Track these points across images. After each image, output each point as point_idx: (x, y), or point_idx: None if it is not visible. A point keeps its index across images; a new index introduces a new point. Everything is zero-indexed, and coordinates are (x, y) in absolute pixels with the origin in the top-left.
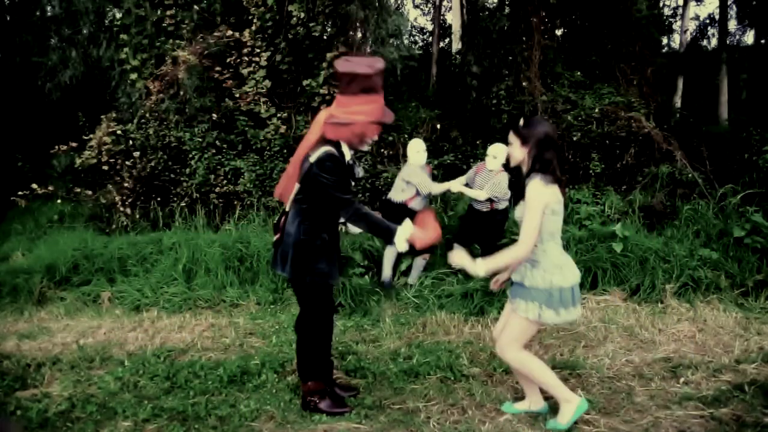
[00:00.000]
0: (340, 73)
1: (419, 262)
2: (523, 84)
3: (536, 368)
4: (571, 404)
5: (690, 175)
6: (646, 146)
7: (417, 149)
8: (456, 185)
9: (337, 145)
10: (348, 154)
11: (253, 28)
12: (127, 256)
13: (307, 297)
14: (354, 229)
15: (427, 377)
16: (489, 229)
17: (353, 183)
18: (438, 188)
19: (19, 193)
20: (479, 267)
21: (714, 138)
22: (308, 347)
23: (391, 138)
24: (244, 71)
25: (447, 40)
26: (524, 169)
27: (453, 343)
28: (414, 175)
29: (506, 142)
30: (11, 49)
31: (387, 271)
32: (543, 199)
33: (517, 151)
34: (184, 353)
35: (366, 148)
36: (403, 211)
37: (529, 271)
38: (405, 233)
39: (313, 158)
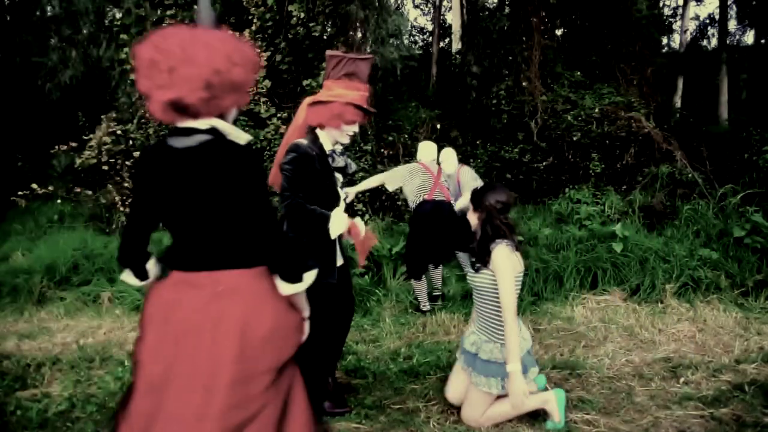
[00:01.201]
0: (328, 57)
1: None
2: (523, 84)
3: (502, 413)
4: (550, 402)
5: (690, 175)
6: (646, 146)
7: (443, 157)
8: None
9: (315, 137)
10: (328, 144)
11: (253, 28)
12: None
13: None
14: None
15: (427, 377)
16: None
17: (342, 176)
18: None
19: (19, 193)
20: (515, 369)
21: (714, 138)
22: (309, 351)
23: (391, 138)
24: None
25: (447, 40)
26: (477, 234)
27: (453, 343)
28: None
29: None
30: (11, 49)
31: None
32: (512, 264)
33: (471, 217)
34: None
35: (346, 139)
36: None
37: (485, 344)
38: (339, 220)
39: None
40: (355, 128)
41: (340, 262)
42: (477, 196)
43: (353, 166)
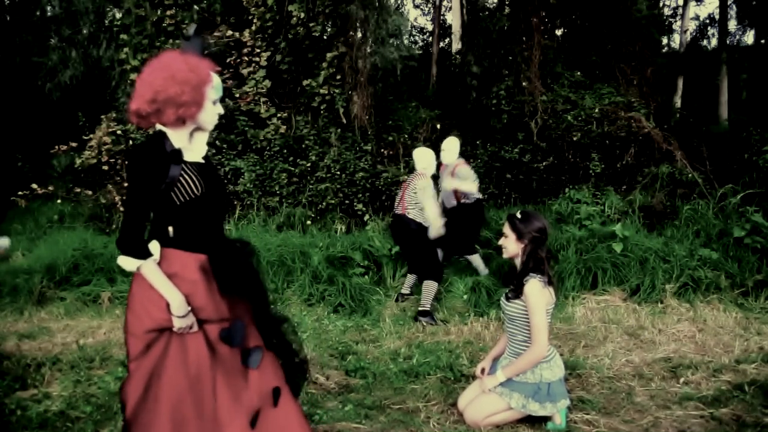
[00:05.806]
0: None
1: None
2: (523, 84)
3: (505, 417)
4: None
5: (690, 175)
6: (646, 146)
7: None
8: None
9: None
10: None
11: (253, 28)
12: None
13: None
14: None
15: (427, 377)
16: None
17: None
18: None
19: (19, 193)
20: (499, 376)
21: (714, 138)
22: None
23: (391, 138)
24: (244, 71)
25: (447, 40)
26: (518, 264)
27: (453, 343)
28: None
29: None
30: (11, 49)
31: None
32: (545, 300)
33: (512, 245)
34: None
35: None
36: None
37: None
38: None
39: None
40: None
41: None
42: (520, 225)
43: None
